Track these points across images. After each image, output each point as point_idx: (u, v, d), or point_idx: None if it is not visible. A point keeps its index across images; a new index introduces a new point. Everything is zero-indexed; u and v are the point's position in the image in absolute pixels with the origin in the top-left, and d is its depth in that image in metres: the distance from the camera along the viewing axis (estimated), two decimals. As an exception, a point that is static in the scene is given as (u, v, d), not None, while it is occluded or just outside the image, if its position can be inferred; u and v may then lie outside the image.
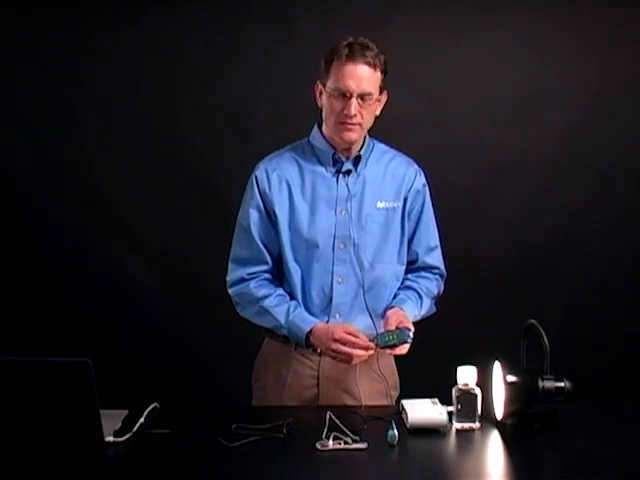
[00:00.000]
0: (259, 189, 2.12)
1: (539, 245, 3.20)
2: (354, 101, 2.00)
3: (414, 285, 2.18)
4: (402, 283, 2.19)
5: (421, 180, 2.20)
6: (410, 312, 2.10)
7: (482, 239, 3.16)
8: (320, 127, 2.14)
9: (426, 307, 2.18)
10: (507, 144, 3.16)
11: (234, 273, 2.15)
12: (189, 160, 3.16)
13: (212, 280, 3.12)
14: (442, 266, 2.25)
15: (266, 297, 2.09)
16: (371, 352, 1.98)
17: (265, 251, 2.12)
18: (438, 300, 2.25)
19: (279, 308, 2.07)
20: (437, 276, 2.24)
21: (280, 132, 2.93)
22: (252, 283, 2.11)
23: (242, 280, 2.13)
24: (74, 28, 3.09)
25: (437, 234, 2.24)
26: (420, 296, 2.17)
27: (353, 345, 1.96)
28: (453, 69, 3.12)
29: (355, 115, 2.01)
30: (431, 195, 2.23)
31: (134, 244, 3.18)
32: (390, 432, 1.73)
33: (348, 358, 1.97)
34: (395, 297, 2.15)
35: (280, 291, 2.12)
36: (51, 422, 1.70)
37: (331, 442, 1.72)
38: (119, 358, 3.13)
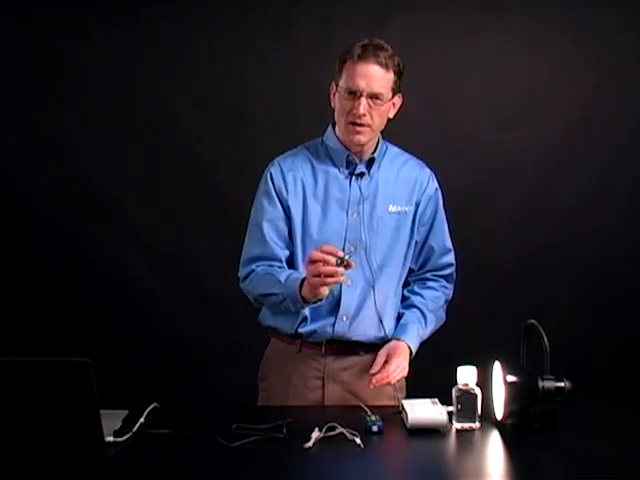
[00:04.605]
0: (275, 188, 2.09)
1: (539, 245, 3.20)
2: (363, 100, 1.97)
3: (417, 301, 2.17)
4: (407, 298, 2.18)
5: (434, 185, 2.18)
6: (412, 340, 2.09)
7: (482, 239, 3.16)
8: (334, 127, 2.12)
9: (432, 324, 2.16)
10: (507, 144, 3.16)
11: (246, 269, 2.10)
12: (189, 160, 3.16)
13: (212, 280, 3.17)
14: (453, 269, 2.24)
15: (270, 267, 2.05)
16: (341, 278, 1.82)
17: (279, 249, 2.08)
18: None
19: (282, 271, 2.02)
20: (444, 281, 2.22)
21: (280, 132, 2.96)
22: (260, 268, 2.07)
23: (252, 272, 2.08)
24: (74, 28, 3.09)
25: (449, 238, 2.23)
26: (424, 315, 2.15)
27: (323, 259, 1.79)
28: (453, 69, 3.12)
29: (364, 115, 1.99)
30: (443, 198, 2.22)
31: (134, 244, 3.18)
32: (369, 419, 1.79)
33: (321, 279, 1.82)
34: (399, 318, 2.15)
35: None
36: (51, 422, 1.70)
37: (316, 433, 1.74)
38: (119, 358, 3.13)
